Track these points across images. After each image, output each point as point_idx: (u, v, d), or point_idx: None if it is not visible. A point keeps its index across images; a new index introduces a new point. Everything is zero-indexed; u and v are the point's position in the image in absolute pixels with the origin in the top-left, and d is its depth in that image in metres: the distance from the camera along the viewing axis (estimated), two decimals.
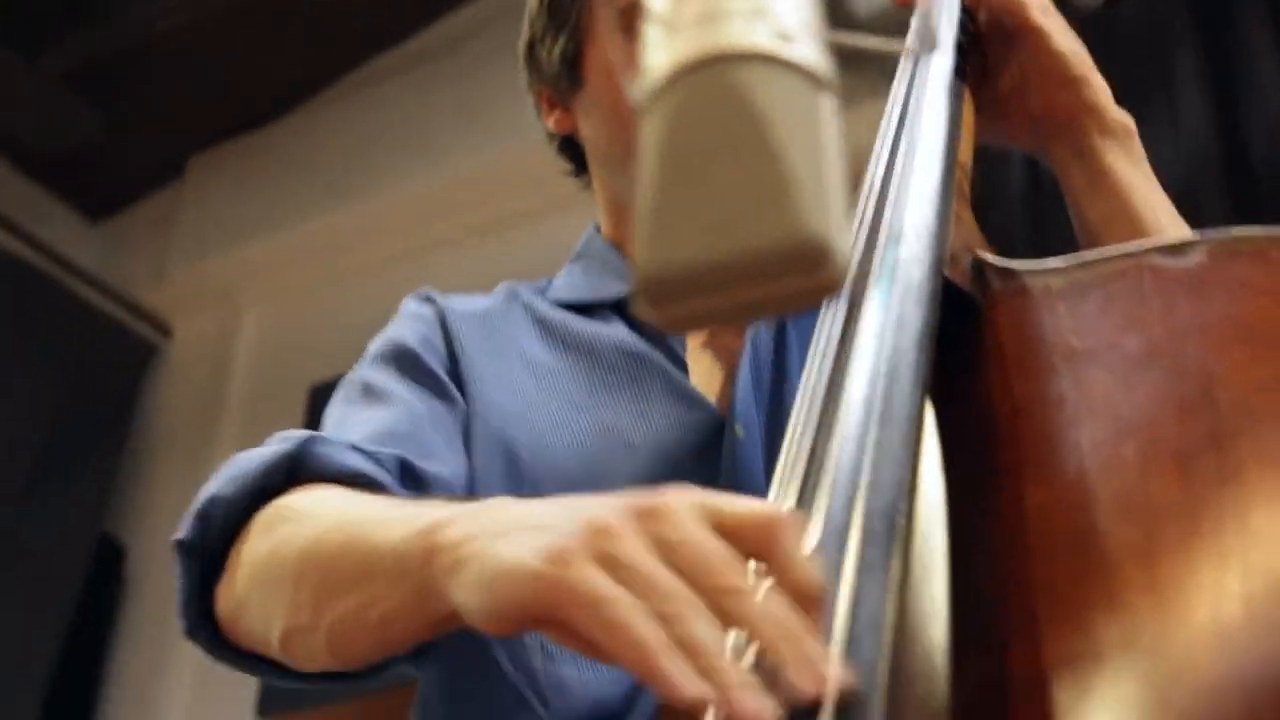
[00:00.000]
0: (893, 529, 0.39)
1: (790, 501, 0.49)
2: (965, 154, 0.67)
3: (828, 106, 0.27)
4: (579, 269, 0.89)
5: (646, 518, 0.39)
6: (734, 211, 0.25)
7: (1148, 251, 0.55)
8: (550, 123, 0.89)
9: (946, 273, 0.54)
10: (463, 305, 0.85)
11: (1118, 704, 0.39)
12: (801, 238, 0.25)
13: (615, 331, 0.81)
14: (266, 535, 0.60)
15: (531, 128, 0.94)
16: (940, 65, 0.68)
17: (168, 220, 2.88)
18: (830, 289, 0.26)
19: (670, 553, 0.37)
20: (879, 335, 0.48)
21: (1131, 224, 0.70)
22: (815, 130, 0.26)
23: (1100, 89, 0.72)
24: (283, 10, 2.53)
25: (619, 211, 0.88)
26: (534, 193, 2.19)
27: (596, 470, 0.72)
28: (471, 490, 0.72)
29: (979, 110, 0.71)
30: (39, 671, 2.31)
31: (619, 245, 0.87)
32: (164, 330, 2.86)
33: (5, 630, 2.29)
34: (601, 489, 0.49)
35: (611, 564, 0.37)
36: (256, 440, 0.69)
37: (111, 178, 2.89)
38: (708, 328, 0.76)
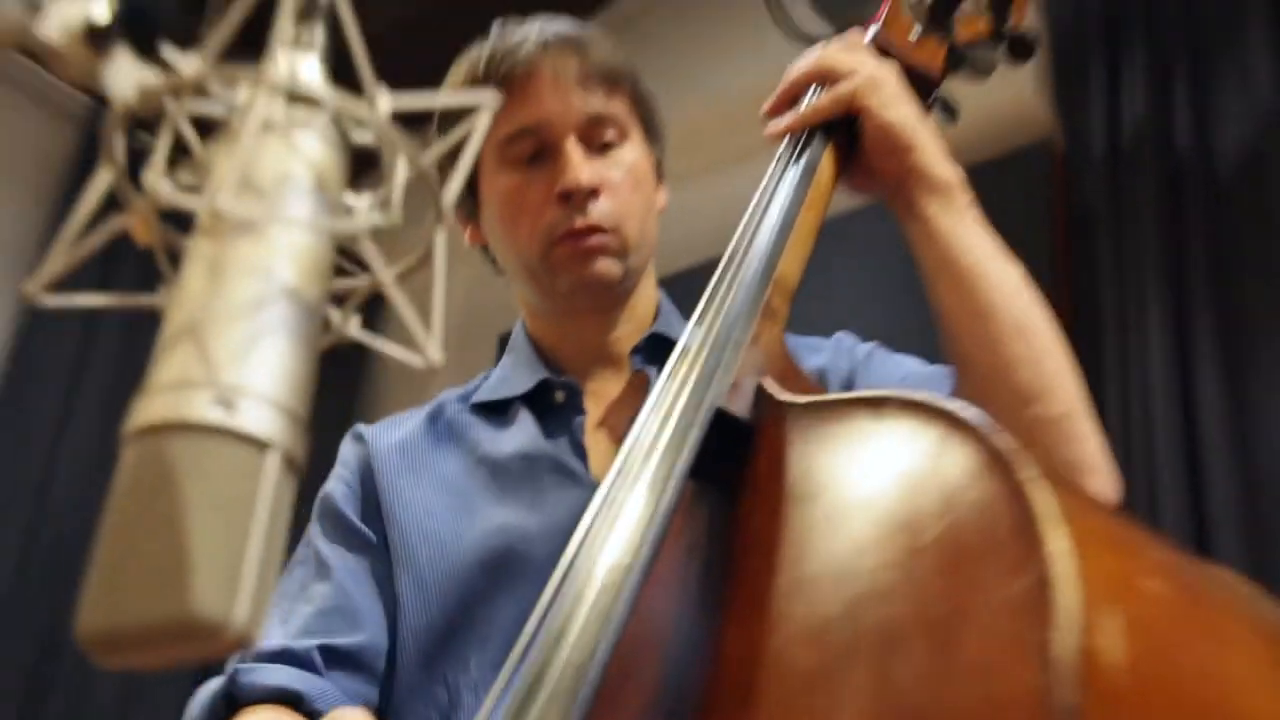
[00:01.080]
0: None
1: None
2: (792, 271, 0.73)
3: (272, 469, 0.29)
4: (507, 362, 0.99)
5: None
6: (140, 583, 0.27)
7: (857, 401, 0.55)
8: (467, 237, 0.99)
9: (724, 404, 0.58)
10: (388, 438, 0.94)
11: None
12: (189, 617, 0.26)
13: (519, 433, 0.91)
14: None
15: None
16: (783, 191, 0.78)
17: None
18: (232, 650, 0.27)
19: None
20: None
21: (950, 268, 0.77)
22: (237, 497, 0.28)
23: (925, 152, 0.79)
24: None
25: (529, 307, 0.99)
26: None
27: (495, 565, 0.82)
28: (392, 622, 0.85)
29: (849, 173, 0.83)
30: None
31: (534, 338, 0.98)
32: None
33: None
34: (503, 580, 0.65)
35: None
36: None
37: None
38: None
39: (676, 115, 1.09)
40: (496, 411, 0.94)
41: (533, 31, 0.90)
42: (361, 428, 0.97)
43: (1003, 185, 1.98)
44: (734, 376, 0.61)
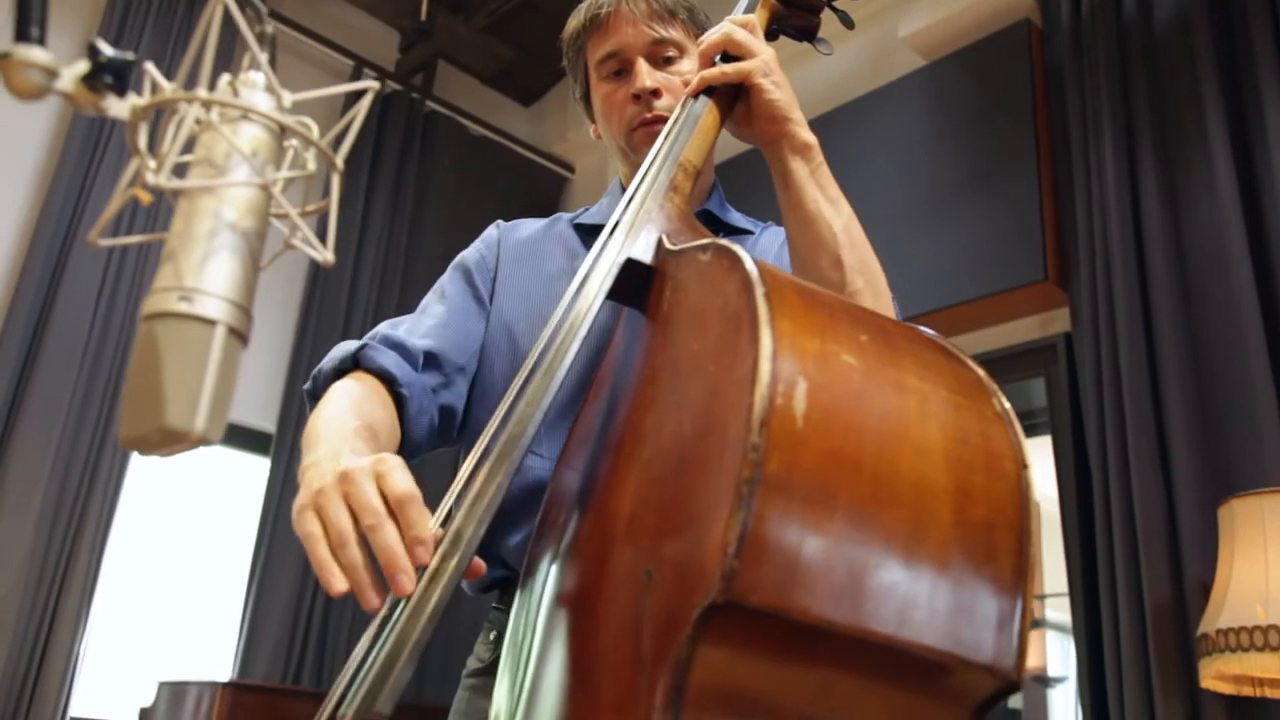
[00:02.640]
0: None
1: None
2: (696, 155, 0.93)
3: (219, 337, 0.48)
4: (604, 201, 1.34)
5: (344, 480, 0.71)
6: (140, 406, 0.47)
7: (697, 246, 0.76)
8: (592, 132, 1.35)
9: (632, 254, 0.86)
10: (516, 234, 1.31)
11: None
12: (165, 426, 0.46)
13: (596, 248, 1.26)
14: (321, 401, 1.03)
15: None
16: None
17: (566, 100, 4.72)
18: (199, 445, 0.47)
19: (350, 499, 0.70)
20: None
21: (798, 210, 1.05)
22: (198, 357, 0.47)
23: (796, 124, 1.06)
24: None
25: (623, 175, 1.33)
26: None
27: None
28: (480, 353, 1.21)
29: (735, 120, 1.10)
30: None
31: (624, 184, 1.30)
32: (569, 168, 5.01)
33: None
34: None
35: (320, 510, 0.71)
36: None
37: (533, 78, 5.05)
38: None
39: None
40: (589, 233, 1.26)
41: None
42: (501, 222, 1.34)
43: (996, 54, 3.18)
44: (641, 232, 0.87)
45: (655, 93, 1.20)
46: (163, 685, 3.10)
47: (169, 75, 3.74)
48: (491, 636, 1.14)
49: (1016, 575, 0.57)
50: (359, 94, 0.57)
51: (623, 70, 1.23)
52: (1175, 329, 2.56)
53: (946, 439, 0.58)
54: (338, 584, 0.67)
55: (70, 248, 3.40)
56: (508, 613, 0.95)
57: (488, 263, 1.27)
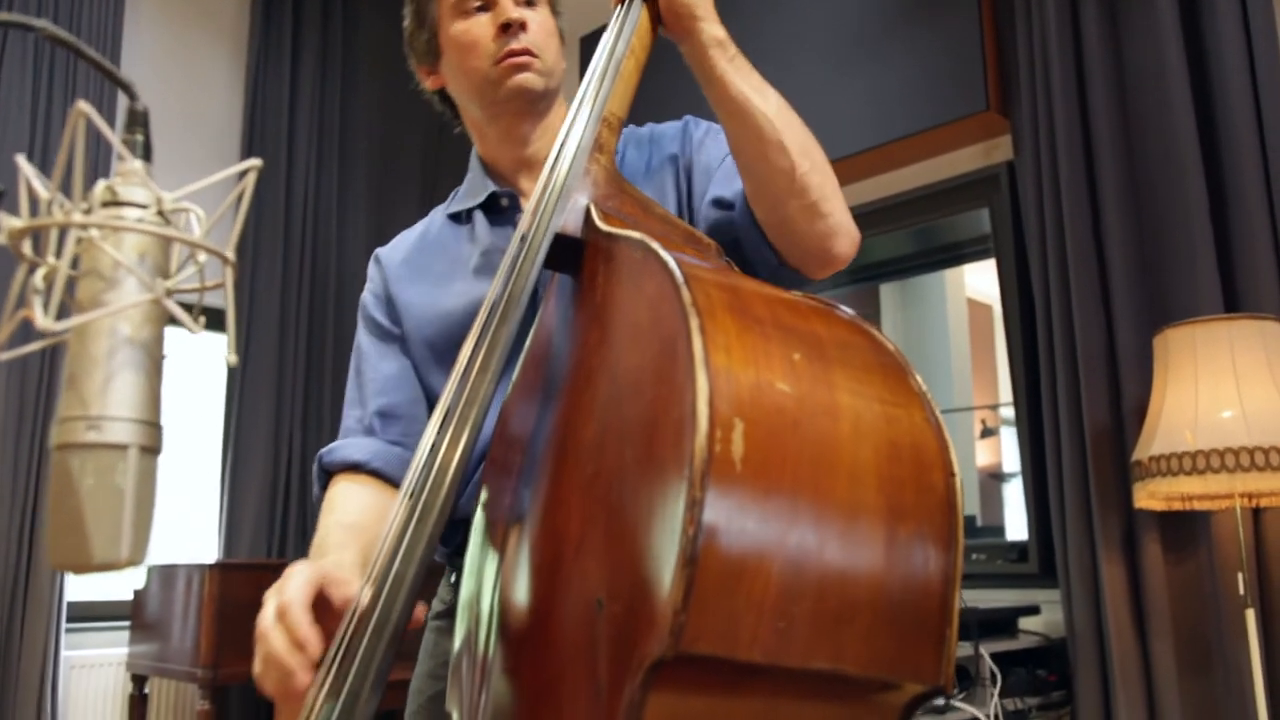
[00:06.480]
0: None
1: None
2: (618, 108, 0.92)
3: (132, 461, 0.49)
4: (466, 181, 1.31)
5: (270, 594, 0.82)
6: (66, 540, 0.48)
7: (630, 240, 0.75)
8: (428, 84, 1.29)
9: (560, 228, 0.88)
10: (395, 256, 1.32)
11: None
12: (91, 563, 0.48)
13: (479, 233, 1.25)
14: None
15: None
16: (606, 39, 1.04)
17: None
18: (127, 568, 0.49)
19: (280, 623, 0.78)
20: None
21: (727, 103, 1.03)
22: (114, 487, 0.49)
23: (704, 20, 1.04)
24: None
25: (480, 132, 1.28)
26: None
27: (468, 319, 1.04)
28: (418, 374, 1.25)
29: (664, 27, 1.07)
30: None
31: (483, 158, 1.30)
32: None
33: None
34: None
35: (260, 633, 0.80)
36: None
37: None
38: None
39: None
40: (462, 220, 1.28)
41: None
42: (378, 251, 1.35)
43: None
44: (570, 202, 0.88)
45: (523, 25, 1.18)
46: (152, 569, 3.21)
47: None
48: (453, 580, 1.20)
49: (946, 586, 0.60)
50: (246, 173, 0.56)
51: (484, 6, 1.20)
52: (1115, 158, 2.57)
53: (879, 457, 0.60)
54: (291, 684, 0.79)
55: None
56: (463, 553, 1.00)
57: (381, 297, 1.29)
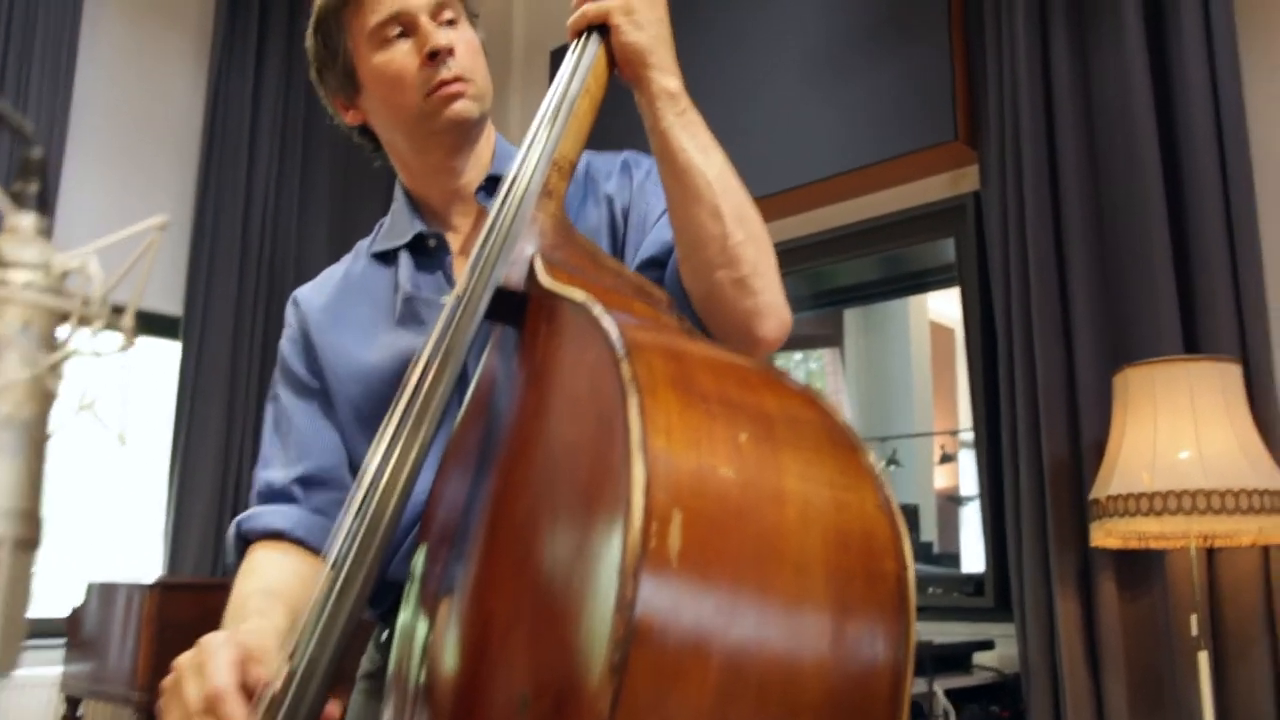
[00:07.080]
0: None
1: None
2: (569, 150, 0.88)
3: (4, 557, 0.44)
4: (390, 215, 1.24)
5: (172, 677, 0.77)
6: None
7: (573, 303, 0.71)
8: (348, 119, 1.21)
9: (502, 282, 0.83)
10: (315, 301, 1.23)
11: None
12: None
13: (404, 277, 1.17)
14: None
15: None
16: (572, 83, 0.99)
17: None
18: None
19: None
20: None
21: (669, 160, 0.98)
22: None
23: (658, 69, 0.98)
24: None
25: (406, 165, 1.20)
26: None
27: (397, 382, 0.97)
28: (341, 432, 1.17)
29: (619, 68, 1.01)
30: None
31: (410, 191, 1.22)
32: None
33: None
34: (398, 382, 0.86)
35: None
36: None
37: None
38: None
39: None
40: (387, 260, 1.20)
41: None
42: (297, 293, 1.26)
43: None
44: (514, 255, 0.83)
45: (450, 51, 1.09)
46: (92, 586, 3.11)
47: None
48: (383, 637, 1.14)
49: (896, 681, 0.57)
50: (151, 230, 0.52)
51: (404, 34, 1.11)
52: (1081, 195, 2.57)
53: (827, 546, 0.57)
54: None
55: None
56: (395, 613, 0.95)
57: (300, 345, 1.21)
